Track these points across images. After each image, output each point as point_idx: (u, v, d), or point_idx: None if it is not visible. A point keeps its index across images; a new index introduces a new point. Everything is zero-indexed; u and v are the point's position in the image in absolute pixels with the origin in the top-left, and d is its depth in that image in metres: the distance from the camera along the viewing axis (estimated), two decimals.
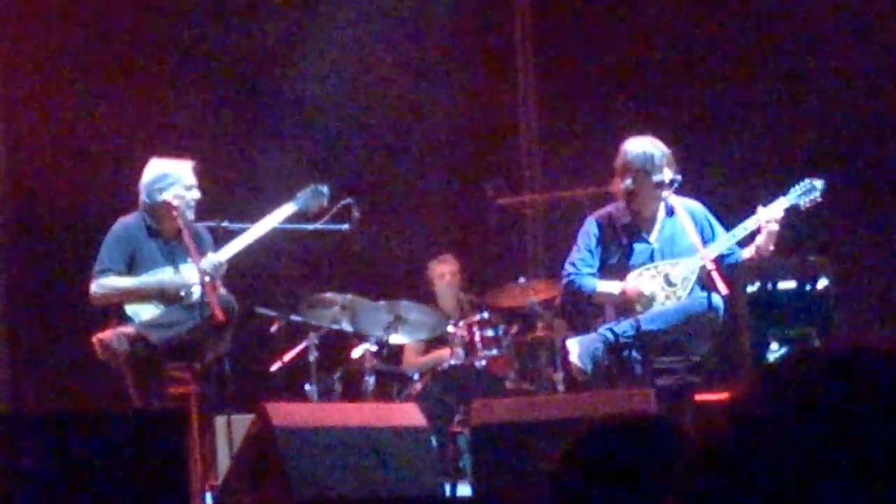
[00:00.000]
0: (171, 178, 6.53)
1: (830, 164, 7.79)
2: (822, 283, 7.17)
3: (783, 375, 1.13)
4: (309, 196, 6.73)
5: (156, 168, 6.60)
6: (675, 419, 6.02)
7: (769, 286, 7.20)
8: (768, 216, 6.29)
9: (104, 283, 6.46)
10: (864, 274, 8.15)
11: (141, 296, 6.43)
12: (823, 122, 8.47)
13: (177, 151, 6.93)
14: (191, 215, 6.52)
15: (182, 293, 6.42)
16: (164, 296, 6.44)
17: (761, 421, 1.10)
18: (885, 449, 1.05)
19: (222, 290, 6.53)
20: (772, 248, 6.36)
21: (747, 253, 6.41)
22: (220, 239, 6.70)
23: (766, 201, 6.44)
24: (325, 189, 6.77)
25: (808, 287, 7.11)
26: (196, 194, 6.56)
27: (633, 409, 5.47)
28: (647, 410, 5.45)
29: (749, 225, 6.37)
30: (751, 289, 7.24)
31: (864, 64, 8.46)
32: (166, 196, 6.49)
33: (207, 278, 6.29)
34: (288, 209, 6.67)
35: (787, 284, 7.21)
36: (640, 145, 6.48)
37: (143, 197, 6.57)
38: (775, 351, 6.86)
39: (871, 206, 8.34)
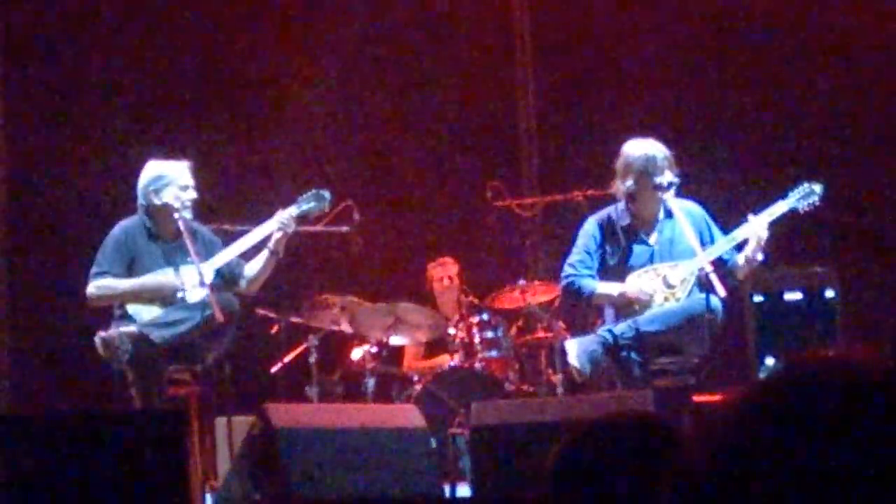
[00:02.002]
0: (167, 180, 6.54)
1: (837, 171, 7.79)
2: (829, 293, 7.15)
3: (777, 384, 1.14)
4: (311, 200, 6.75)
5: (152, 170, 6.61)
6: (670, 418, 6.05)
7: (775, 297, 7.18)
8: (758, 226, 6.30)
9: (101, 285, 6.47)
10: (872, 285, 8.12)
11: (137, 297, 6.45)
12: (827, 125, 8.48)
13: (178, 153, 6.95)
14: (188, 215, 6.53)
15: (179, 295, 6.44)
16: (160, 297, 6.46)
17: (754, 426, 1.11)
18: (871, 459, 1.07)
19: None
20: (760, 256, 6.36)
21: (741, 259, 6.42)
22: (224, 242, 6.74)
23: (764, 206, 6.45)
24: (326, 194, 6.79)
25: (814, 298, 7.07)
26: (192, 194, 6.57)
27: (630, 410, 5.49)
28: (644, 411, 5.47)
29: (746, 229, 6.37)
30: (757, 299, 7.22)
31: (868, 67, 8.47)
32: (162, 197, 6.51)
33: (208, 280, 6.32)
34: (290, 212, 6.68)
35: (794, 295, 7.19)
36: (642, 147, 6.49)
37: (140, 199, 6.59)
38: (769, 368, 6.85)
39: (877, 216, 8.33)
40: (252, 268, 6.67)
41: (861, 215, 8.34)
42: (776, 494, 1.07)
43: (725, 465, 1.11)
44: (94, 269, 6.52)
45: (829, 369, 1.13)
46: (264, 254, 6.64)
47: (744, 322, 7.34)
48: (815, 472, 1.07)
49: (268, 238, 6.62)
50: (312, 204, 6.74)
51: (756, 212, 6.41)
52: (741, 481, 1.09)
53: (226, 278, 6.62)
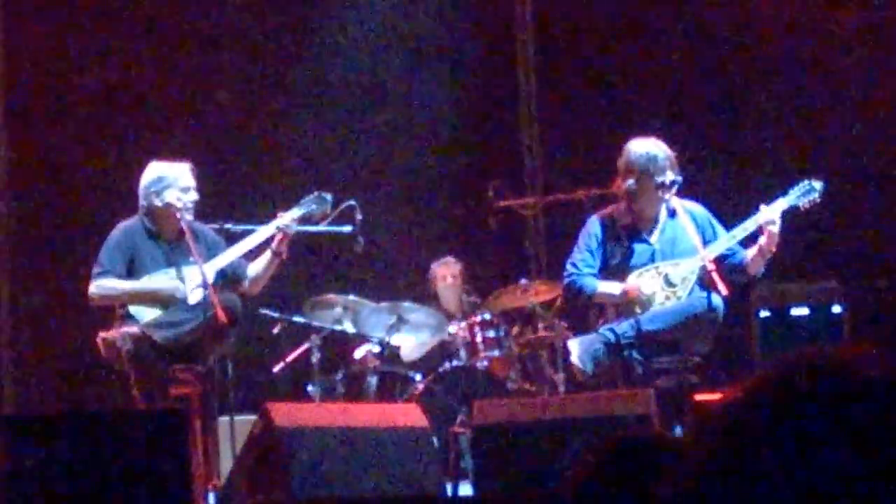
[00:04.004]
0: (168, 181, 6.54)
1: (844, 186, 7.76)
2: (836, 308, 7.12)
3: (776, 381, 1.14)
4: (312, 203, 6.77)
5: (153, 171, 6.61)
6: (673, 417, 6.05)
7: (782, 312, 7.15)
8: (766, 218, 6.29)
9: (102, 285, 6.48)
10: (879, 300, 8.08)
11: (139, 298, 6.45)
12: (833, 138, 8.46)
13: (181, 153, 6.95)
14: (189, 217, 6.53)
15: (178, 296, 6.44)
16: (161, 299, 6.46)
17: (753, 423, 1.11)
18: (870, 456, 1.07)
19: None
20: (774, 248, 6.34)
21: (751, 253, 6.40)
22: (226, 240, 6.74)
23: (766, 202, 6.44)
24: (328, 196, 6.81)
25: (821, 313, 7.04)
26: (193, 196, 6.57)
27: (634, 411, 5.49)
28: (646, 411, 5.47)
29: (749, 226, 6.36)
30: (763, 314, 7.20)
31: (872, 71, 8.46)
32: (164, 199, 6.51)
33: (210, 280, 6.32)
34: (291, 214, 6.70)
35: (800, 310, 7.15)
36: (644, 146, 6.48)
37: (141, 200, 6.59)
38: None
39: (884, 230, 8.31)
40: (254, 268, 6.69)
41: (868, 230, 8.30)
42: (775, 492, 1.07)
43: (724, 463, 1.11)
44: (95, 270, 6.52)
45: (828, 366, 1.12)
46: (267, 255, 6.65)
47: (749, 337, 7.32)
48: (814, 470, 1.07)
49: (271, 239, 6.63)
50: (314, 207, 6.77)
51: (756, 210, 6.40)
52: (740, 479, 1.09)
53: (229, 278, 6.63)
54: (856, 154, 8.41)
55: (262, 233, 6.64)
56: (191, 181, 6.57)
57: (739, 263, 6.41)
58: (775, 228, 6.28)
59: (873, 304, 7.96)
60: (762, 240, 6.32)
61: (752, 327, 7.31)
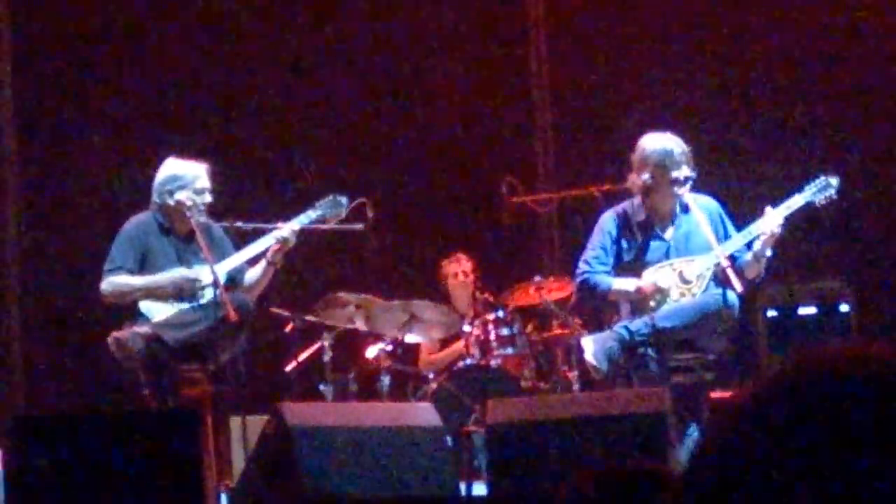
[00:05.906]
0: (183, 181, 6.52)
1: (853, 184, 7.73)
2: (844, 307, 7.09)
3: (789, 378, 1.12)
4: (328, 206, 6.77)
5: (169, 168, 6.60)
6: (688, 415, 6.01)
7: (789, 311, 7.13)
8: (766, 226, 6.23)
9: (114, 281, 6.46)
10: (887, 298, 8.05)
11: (153, 293, 6.43)
12: (844, 132, 8.42)
13: (193, 148, 6.93)
14: (201, 218, 6.51)
15: (196, 289, 6.42)
16: (177, 293, 6.44)
17: (766, 421, 1.10)
18: (879, 455, 1.05)
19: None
20: (769, 252, 6.28)
21: (748, 256, 6.35)
22: (237, 241, 6.73)
23: (780, 200, 6.40)
24: (344, 199, 6.81)
25: (829, 312, 7.02)
26: (207, 198, 6.55)
27: (649, 409, 5.46)
28: (662, 409, 5.43)
29: (754, 229, 6.31)
30: (771, 314, 7.18)
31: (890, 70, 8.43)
32: (177, 198, 6.49)
33: (222, 280, 6.30)
34: (306, 217, 6.69)
35: (808, 309, 7.13)
36: (659, 141, 6.45)
37: (154, 196, 6.58)
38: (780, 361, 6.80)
39: (893, 228, 8.28)
40: (251, 276, 6.68)
41: (875, 228, 8.28)
42: (787, 490, 1.06)
43: (737, 462, 1.10)
44: (107, 266, 6.51)
45: (837, 365, 1.11)
46: (262, 263, 6.65)
47: (757, 336, 7.30)
48: (826, 469, 1.05)
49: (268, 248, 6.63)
50: (329, 210, 6.77)
51: (772, 206, 6.35)
52: (752, 478, 1.08)
53: (230, 282, 6.60)
54: (863, 152, 8.37)
55: (263, 242, 6.62)
56: (206, 182, 6.56)
57: (740, 266, 6.36)
58: (777, 230, 6.21)
59: (881, 303, 7.93)
60: (756, 244, 6.27)
61: (759, 326, 7.29)
